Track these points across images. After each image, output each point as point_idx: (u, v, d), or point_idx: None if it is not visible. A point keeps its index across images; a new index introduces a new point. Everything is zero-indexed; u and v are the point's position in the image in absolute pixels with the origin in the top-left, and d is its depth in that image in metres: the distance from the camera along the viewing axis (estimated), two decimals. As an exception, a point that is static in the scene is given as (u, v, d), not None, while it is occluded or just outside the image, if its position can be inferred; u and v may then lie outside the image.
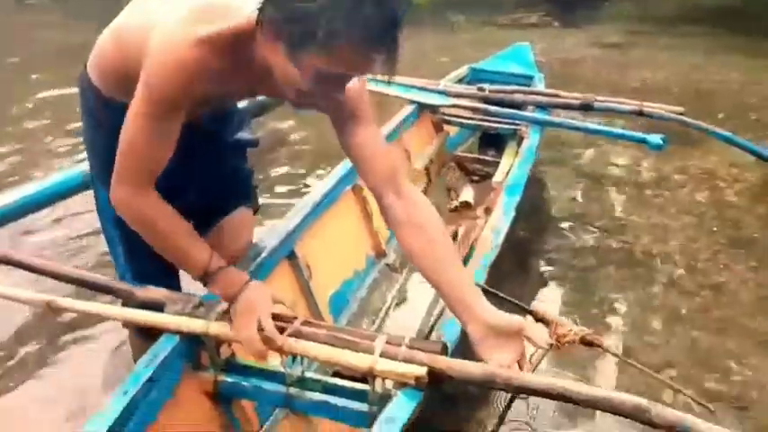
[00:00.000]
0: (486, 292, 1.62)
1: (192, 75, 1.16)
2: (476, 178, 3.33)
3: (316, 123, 3.85)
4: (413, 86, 3.19)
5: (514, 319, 1.28)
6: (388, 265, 2.52)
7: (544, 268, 2.84)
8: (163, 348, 1.40)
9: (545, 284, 2.72)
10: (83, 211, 2.93)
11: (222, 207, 1.75)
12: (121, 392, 1.28)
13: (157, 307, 1.50)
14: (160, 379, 1.37)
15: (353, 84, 1.22)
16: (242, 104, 2.97)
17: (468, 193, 3.04)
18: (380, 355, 1.30)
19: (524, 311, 1.58)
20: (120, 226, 1.55)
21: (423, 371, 1.27)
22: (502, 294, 1.57)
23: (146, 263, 1.53)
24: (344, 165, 2.34)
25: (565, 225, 3.22)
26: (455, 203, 3.00)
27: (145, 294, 1.51)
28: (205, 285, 1.38)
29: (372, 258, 2.49)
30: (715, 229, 3.19)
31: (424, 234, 1.33)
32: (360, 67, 1.11)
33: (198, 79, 1.17)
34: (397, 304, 2.39)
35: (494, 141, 3.50)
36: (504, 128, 3.27)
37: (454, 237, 2.79)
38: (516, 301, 1.57)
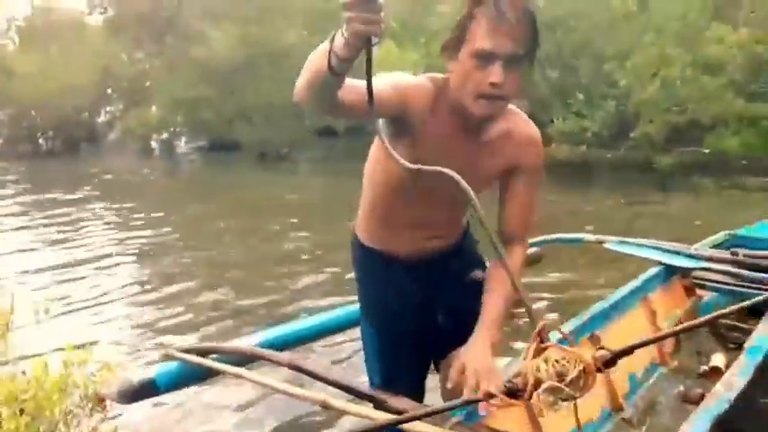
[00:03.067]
0: None
1: None
2: (732, 346, 3.18)
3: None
4: (659, 248, 3.26)
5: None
6: (624, 419, 2.52)
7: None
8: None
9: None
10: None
11: (457, 342, 1.85)
12: None
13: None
14: None
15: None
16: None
17: (719, 359, 2.94)
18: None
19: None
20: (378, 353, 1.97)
21: None
22: None
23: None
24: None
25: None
26: (704, 368, 2.92)
27: (396, 403, 1.83)
28: None
29: (608, 411, 2.52)
30: None
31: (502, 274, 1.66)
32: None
33: None
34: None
35: (756, 309, 3.34)
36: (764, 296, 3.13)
37: (700, 399, 2.69)
38: None
